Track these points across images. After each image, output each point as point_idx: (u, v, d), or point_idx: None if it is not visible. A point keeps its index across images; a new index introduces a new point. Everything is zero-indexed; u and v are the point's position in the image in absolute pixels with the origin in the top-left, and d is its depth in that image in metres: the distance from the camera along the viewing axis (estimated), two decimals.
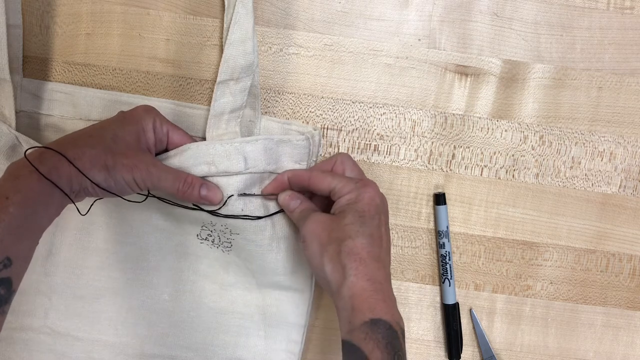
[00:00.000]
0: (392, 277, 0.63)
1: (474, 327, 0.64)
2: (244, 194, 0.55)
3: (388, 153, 0.62)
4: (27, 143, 0.55)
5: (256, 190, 0.56)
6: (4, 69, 0.55)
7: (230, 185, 0.54)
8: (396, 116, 0.62)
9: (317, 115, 0.62)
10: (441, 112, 0.62)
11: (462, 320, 0.63)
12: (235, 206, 0.55)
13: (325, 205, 0.57)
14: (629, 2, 0.61)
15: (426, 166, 0.62)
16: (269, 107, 0.61)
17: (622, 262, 0.64)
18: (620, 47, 0.61)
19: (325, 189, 0.54)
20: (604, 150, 0.62)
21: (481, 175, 0.62)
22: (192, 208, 0.55)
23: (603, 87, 0.62)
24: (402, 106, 0.62)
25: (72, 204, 0.49)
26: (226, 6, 0.58)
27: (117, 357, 0.60)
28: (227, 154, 0.53)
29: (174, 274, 0.60)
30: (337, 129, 0.62)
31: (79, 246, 0.60)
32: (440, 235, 0.62)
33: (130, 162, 0.49)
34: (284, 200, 0.55)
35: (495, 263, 0.63)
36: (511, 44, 0.61)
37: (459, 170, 0.62)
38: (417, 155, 0.62)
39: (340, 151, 0.62)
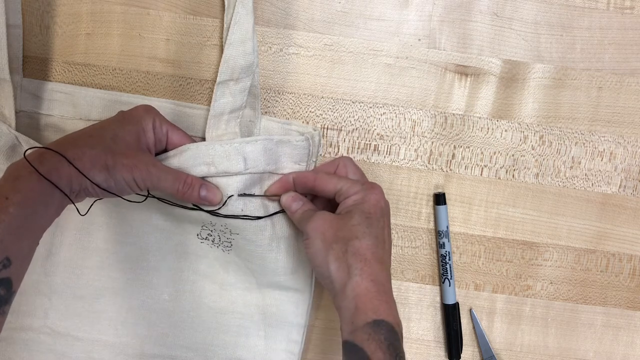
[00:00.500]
0: (392, 277, 0.63)
1: (474, 327, 0.64)
2: (244, 194, 0.55)
3: (388, 153, 0.62)
4: (27, 143, 0.55)
5: (256, 190, 0.56)
6: (4, 69, 0.55)
7: (229, 185, 0.54)
8: (396, 116, 0.62)
9: (317, 115, 0.62)
10: (441, 112, 0.62)
11: (462, 320, 0.63)
12: (235, 206, 0.55)
13: (325, 208, 0.57)
14: (629, 2, 0.61)
15: (426, 166, 0.62)
16: (269, 107, 0.61)
17: (622, 262, 0.64)
18: (620, 47, 0.61)
19: (331, 190, 0.54)
20: (604, 150, 0.62)
21: (481, 175, 0.62)
22: (191, 208, 0.55)
23: (603, 87, 0.62)
24: (402, 106, 0.62)
25: (72, 204, 0.49)
26: (226, 6, 0.58)
27: (117, 357, 0.60)
28: (227, 154, 0.53)
29: (174, 273, 0.60)
30: (337, 129, 0.62)
31: (79, 246, 0.60)
32: (440, 235, 0.62)
33: (130, 162, 0.49)
34: (286, 202, 0.55)
35: (495, 263, 0.63)
36: (511, 44, 0.61)
37: (459, 170, 0.62)
38: (417, 155, 0.62)
39: (340, 151, 0.62)
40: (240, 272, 0.60)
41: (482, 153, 0.62)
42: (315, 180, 0.55)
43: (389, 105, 0.62)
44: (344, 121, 0.62)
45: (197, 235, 0.59)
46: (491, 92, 0.61)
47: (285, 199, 0.56)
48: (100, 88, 0.61)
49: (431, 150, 0.62)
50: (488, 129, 0.62)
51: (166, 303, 0.60)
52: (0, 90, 0.56)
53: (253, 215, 0.55)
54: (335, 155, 0.62)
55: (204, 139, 0.59)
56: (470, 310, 0.64)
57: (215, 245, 0.59)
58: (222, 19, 0.60)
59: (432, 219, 0.63)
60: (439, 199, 0.62)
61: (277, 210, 0.57)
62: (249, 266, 0.59)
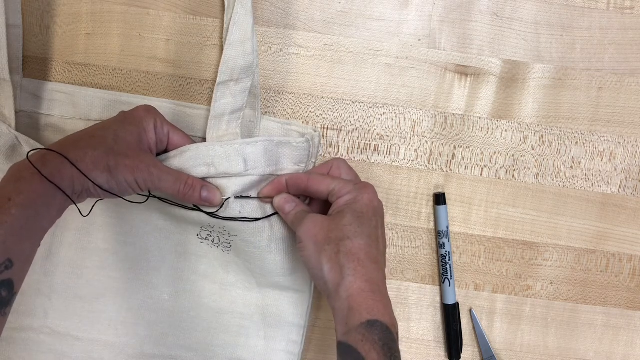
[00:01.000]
0: (392, 277, 0.63)
1: (474, 327, 0.64)
2: (241, 196, 0.55)
3: (388, 153, 0.62)
4: (26, 143, 0.55)
5: (253, 192, 0.56)
6: (4, 69, 0.55)
7: (229, 187, 0.54)
8: (396, 116, 0.62)
9: (317, 115, 0.62)
10: (441, 112, 0.62)
11: (462, 320, 0.63)
12: (233, 208, 0.55)
13: (320, 210, 0.57)
14: (629, 2, 0.61)
15: (426, 166, 0.62)
16: (269, 107, 0.61)
17: (622, 262, 0.64)
18: (620, 47, 0.61)
19: (324, 190, 0.54)
20: (604, 150, 0.63)
21: (481, 175, 0.62)
22: (190, 209, 0.55)
23: (603, 87, 0.62)
24: (402, 106, 0.62)
25: (74, 205, 0.49)
26: (226, 6, 0.58)
27: (117, 357, 0.60)
28: (227, 155, 0.53)
29: (174, 273, 0.60)
30: (337, 129, 0.62)
31: (79, 246, 0.60)
32: (440, 235, 0.62)
33: (132, 163, 0.49)
34: (278, 203, 0.55)
35: (495, 263, 0.63)
36: (511, 44, 0.61)
37: (459, 170, 0.62)
38: (417, 155, 0.62)
39: (340, 151, 0.62)
40: (240, 272, 0.60)
41: (482, 153, 0.62)
42: (308, 181, 0.55)
43: (389, 105, 0.62)
44: (344, 121, 0.62)
45: (197, 235, 0.59)
46: (491, 92, 0.62)
47: (278, 200, 0.55)
48: (100, 88, 0.61)
49: (431, 150, 0.62)
50: (488, 129, 0.62)
51: (166, 303, 0.60)
52: (0, 90, 0.56)
53: (251, 217, 0.55)
54: (335, 155, 0.62)
55: (204, 140, 0.59)
56: (470, 310, 0.64)
57: (215, 245, 0.59)
58: (222, 19, 0.60)
59: (432, 219, 0.63)
60: (439, 199, 0.62)
61: (275, 211, 0.57)
62: (249, 267, 0.59)
